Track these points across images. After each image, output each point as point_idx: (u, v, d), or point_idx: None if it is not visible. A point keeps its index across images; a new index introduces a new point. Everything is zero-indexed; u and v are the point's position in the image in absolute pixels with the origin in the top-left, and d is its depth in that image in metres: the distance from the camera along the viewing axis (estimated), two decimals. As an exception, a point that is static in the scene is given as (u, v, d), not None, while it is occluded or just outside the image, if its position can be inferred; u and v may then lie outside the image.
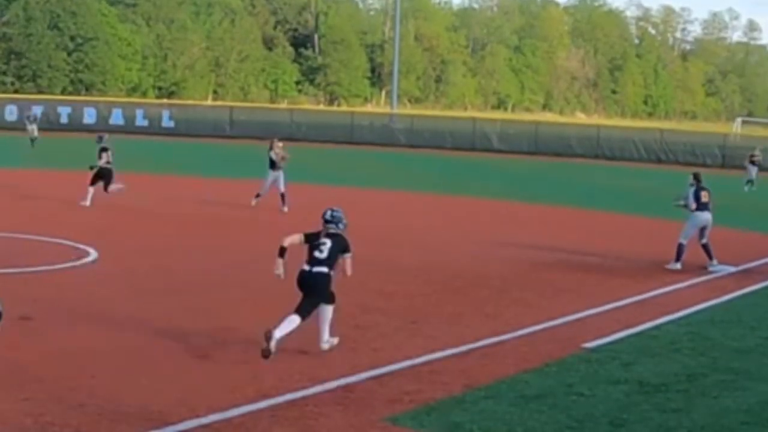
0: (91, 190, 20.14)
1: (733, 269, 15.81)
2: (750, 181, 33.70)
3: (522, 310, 11.89)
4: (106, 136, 21.72)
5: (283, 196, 20.70)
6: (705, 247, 15.73)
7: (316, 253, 9.19)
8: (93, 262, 13.73)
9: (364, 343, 9.82)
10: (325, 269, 9.18)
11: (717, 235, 16.24)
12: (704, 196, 15.69)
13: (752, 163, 34.46)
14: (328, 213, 9.44)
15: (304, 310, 9.13)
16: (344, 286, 12.72)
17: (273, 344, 8.68)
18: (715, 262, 15.68)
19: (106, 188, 20.16)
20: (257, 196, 20.92)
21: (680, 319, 11.88)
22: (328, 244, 9.21)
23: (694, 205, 15.62)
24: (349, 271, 9.39)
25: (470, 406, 7.93)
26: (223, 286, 12.48)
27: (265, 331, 8.75)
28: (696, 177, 15.93)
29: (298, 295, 12.10)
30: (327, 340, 9.34)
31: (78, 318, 10.31)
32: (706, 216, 15.64)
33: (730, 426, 7.83)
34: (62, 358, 8.71)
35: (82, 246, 14.68)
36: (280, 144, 21.38)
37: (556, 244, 17.71)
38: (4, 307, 7.13)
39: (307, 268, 9.23)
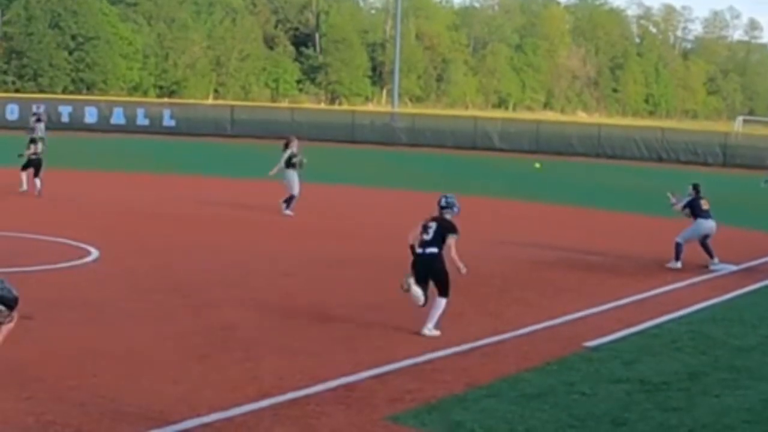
0: (23, 175, 21.13)
1: (734, 268, 15.80)
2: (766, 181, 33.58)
3: (523, 309, 11.88)
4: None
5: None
6: (705, 246, 15.74)
7: (424, 236, 10.17)
8: (94, 261, 13.72)
9: (365, 341, 9.82)
10: (434, 249, 10.07)
11: (718, 233, 16.23)
12: (704, 204, 15.75)
13: None
14: (443, 200, 10.49)
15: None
16: (344, 285, 12.76)
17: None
18: (716, 260, 15.68)
19: (36, 174, 21.09)
20: (290, 202, 19.56)
21: (681, 317, 11.87)
22: (433, 226, 10.18)
23: (679, 207, 15.81)
24: (453, 252, 10.08)
25: (471, 405, 7.93)
26: (223, 286, 12.46)
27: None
28: (695, 188, 15.99)
29: (295, 296, 12.12)
30: (429, 329, 10.10)
31: (79, 317, 10.31)
32: (710, 224, 15.71)
33: (731, 425, 7.82)
34: (63, 358, 8.71)
35: (82, 245, 14.67)
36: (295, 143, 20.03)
37: (557, 243, 17.69)
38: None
39: (419, 250, 10.14)
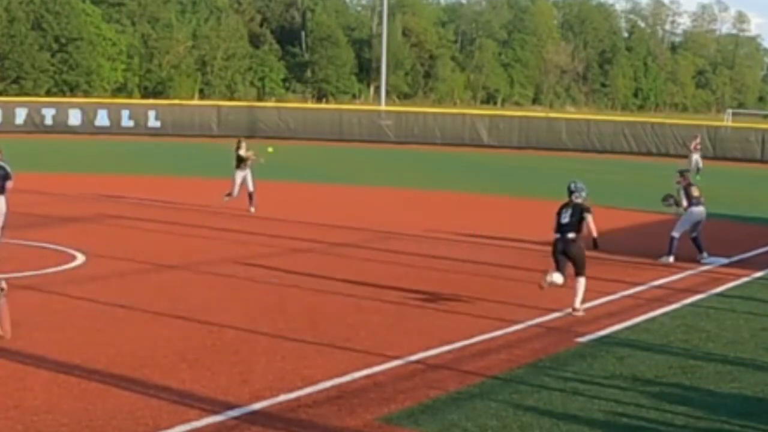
0: None
1: (725, 261, 15.81)
2: None
3: (515, 306, 11.84)
4: None
5: (251, 195, 20.23)
6: (695, 240, 15.71)
7: (562, 219, 11.43)
8: (81, 266, 13.60)
9: (357, 341, 9.75)
10: (572, 234, 11.34)
11: (708, 226, 16.22)
12: (695, 191, 15.71)
13: None
14: (571, 185, 11.76)
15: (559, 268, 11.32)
16: (335, 284, 12.68)
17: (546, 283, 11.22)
18: (705, 254, 15.66)
19: None
20: (228, 195, 20.44)
21: (673, 311, 11.87)
22: (569, 211, 11.41)
23: (685, 203, 15.64)
24: (594, 232, 11.39)
25: (465, 404, 7.88)
26: (213, 288, 12.37)
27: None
28: (682, 174, 15.96)
29: (284, 297, 12.05)
30: (578, 307, 11.36)
31: (66, 323, 10.21)
32: (700, 210, 15.66)
33: (725, 418, 7.79)
34: (51, 364, 8.60)
35: (69, 250, 14.55)
36: (244, 144, 20.95)
37: (548, 238, 17.61)
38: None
39: (558, 235, 11.48)
